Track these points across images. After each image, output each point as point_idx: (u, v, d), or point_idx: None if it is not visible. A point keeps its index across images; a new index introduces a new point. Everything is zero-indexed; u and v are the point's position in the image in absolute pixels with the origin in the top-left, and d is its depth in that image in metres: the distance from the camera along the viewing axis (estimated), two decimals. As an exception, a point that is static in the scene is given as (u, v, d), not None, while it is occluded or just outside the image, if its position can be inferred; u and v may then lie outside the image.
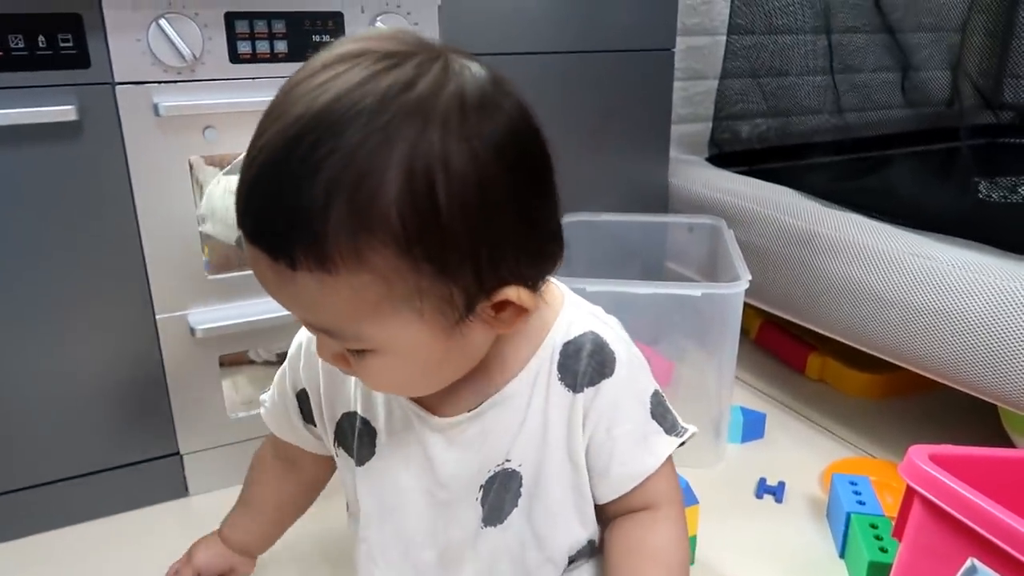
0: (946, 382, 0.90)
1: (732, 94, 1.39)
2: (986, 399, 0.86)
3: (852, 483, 0.85)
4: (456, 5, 0.93)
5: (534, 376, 0.54)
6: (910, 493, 0.62)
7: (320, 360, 0.58)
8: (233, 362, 0.99)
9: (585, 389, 0.54)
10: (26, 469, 0.83)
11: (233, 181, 0.95)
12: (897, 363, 0.96)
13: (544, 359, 0.54)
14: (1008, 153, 1.48)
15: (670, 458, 0.57)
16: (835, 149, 1.36)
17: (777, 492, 0.91)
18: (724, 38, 1.38)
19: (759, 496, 0.91)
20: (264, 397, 0.66)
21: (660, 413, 0.57)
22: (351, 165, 0.39)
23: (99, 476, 0.87)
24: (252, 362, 1.04)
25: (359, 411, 0.58)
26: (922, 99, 1.49)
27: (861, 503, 0.82)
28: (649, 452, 0.56)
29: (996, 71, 1.59)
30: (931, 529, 0.60)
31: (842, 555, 0.82)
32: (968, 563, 0.57)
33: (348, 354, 0.47)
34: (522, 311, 0.47)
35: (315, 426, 0.62)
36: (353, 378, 0.57)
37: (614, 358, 0.54)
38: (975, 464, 0.64)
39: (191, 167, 0.83)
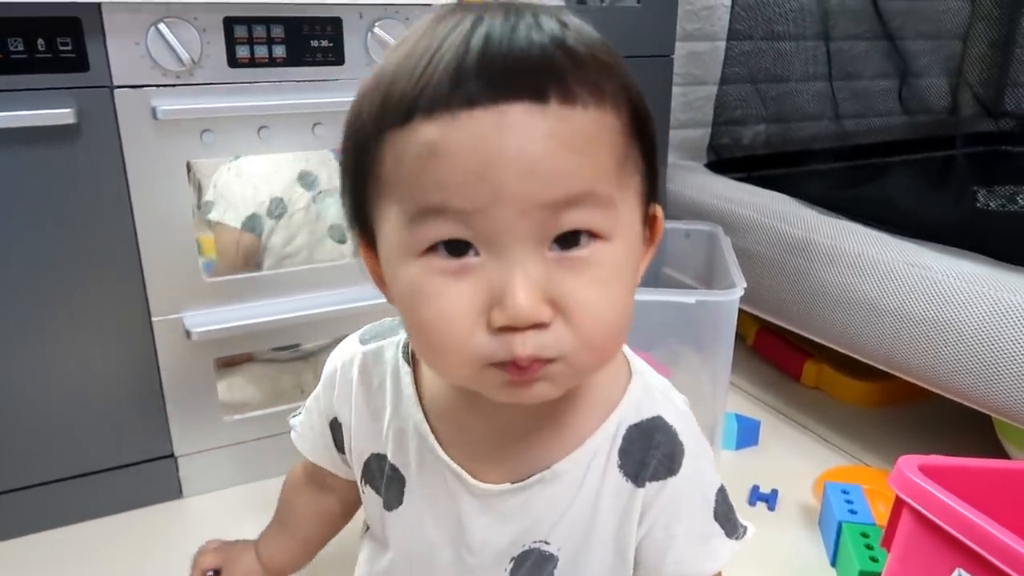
0: (939, 392, 0.90)
1: (731, 100, 1.39)
2: (980, 410, 0.87)
3: (844, 492, 0.85)
4: (454, 11, 0.94)
5: (591, 456, 0.49)
6: (899, 503, 0.63)
7: (354, 392, 0.55)
8: (229, 363, 0.99)
9: (648, 484, 0.49)
10: (21, 469, 0.84)
11: (242, 165, 0.97)
12: (891, 372, 0.96)
13: (605, 439, 0.49)
14: (1008, 162, 1.48)
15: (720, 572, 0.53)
16: (834, 156, 1.36)
17: (770, 500, 0.91)
18: (724, 44, 1.38)
19: (752, 503, 0.91)
20: (295, 422, 0.63)
21: (723, 513, 0.53)
22: (586, 28, 0.42)
23: (94, 477, 0.87)
24: (252, 359, 1.04)
25: (389, 456, 0.53)
26: (922, 107, 1.49)
27: (853, 512, 0.82)
28: (709, 555, 0.52)
29: (997, 80, 1.59)
30: (919, 539, 0.60)
31: (833, 564, 0.82)
32: (955, 573, 0.57)
33: (558, 274, 0.40)
34: (655, 237, 0.48)
35: (345, 455, 0.60)
36: (387, 419, 0.53)
37: (683, 451, 0.50)
38: (965, 475, 0.64)
39: (189, 168, 0.83)
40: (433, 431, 0.51)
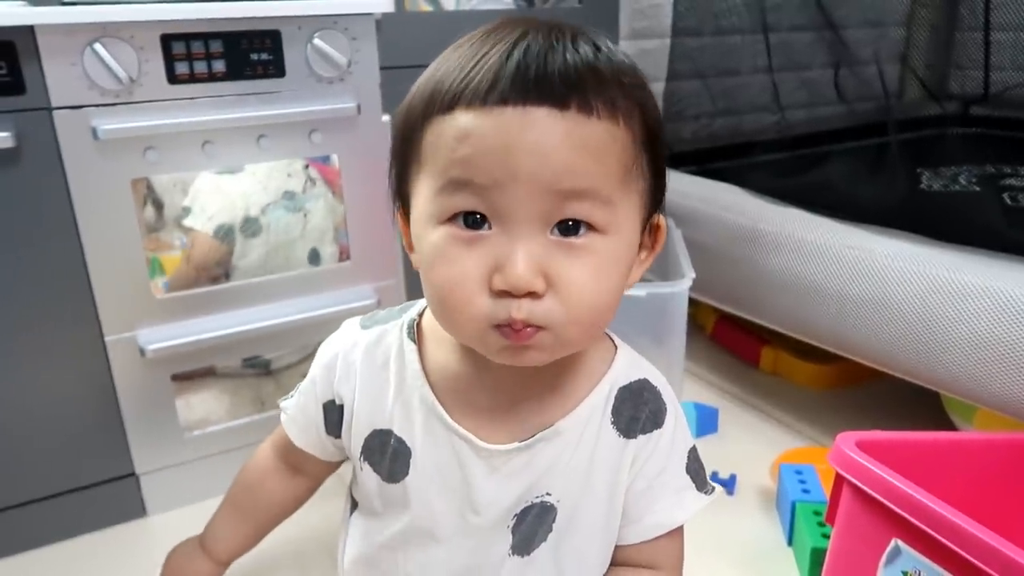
0: (884, 369, 0.92)
1: (681, 95, 1.41)
2: (921, 384, 0.89)
3: (798, 472, 0.87)
4: (394, 20, 0.95)
5: (588, 414, 0.55)
6: (839, 479, 0.65)
7: (357, 373, 0.58)
8: (189, 377, 0.99)
9: (638, 436, 0.55)
10: (-21, 496, 0.83)
11: (221, 179, 0.96)
12: (838, 353, 0.98)
13: (600, 399, 0.55)
14: (952, 143, 1.52)
15: (682, 527, 0.59)
16: (783, 147, 1.39)
17: (729, 484, 0.93)
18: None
19: (711, 489, 0.93)
20: (286, 404, 0.64)
21: (695, 469, 0.58)
22: (617, 53, 0.48)
23: (55, 500, 0.87)
24: (214, 374, 1.04)
25: (395, 430, 0.56)
26: (868, 94, 1.52)
27: (806, 491, 0.84)
28: (680, 506, 0.57)
29: (941, 64, 1.63)
30: (857, 513, 0.62)
31: (790, 543, 0.84)
32: (892, 544, 0.59)
33: (555, 255, 0.46)
34: (656, 245, 0.53)
35: (338, 438, 0.61)
36: (391, 395, 0.56)
37: (666, 409, 0.56)
38: (902, 448, 0.67)
39: (148, 186, 0.82)
40: (440, 403, 0.55)
